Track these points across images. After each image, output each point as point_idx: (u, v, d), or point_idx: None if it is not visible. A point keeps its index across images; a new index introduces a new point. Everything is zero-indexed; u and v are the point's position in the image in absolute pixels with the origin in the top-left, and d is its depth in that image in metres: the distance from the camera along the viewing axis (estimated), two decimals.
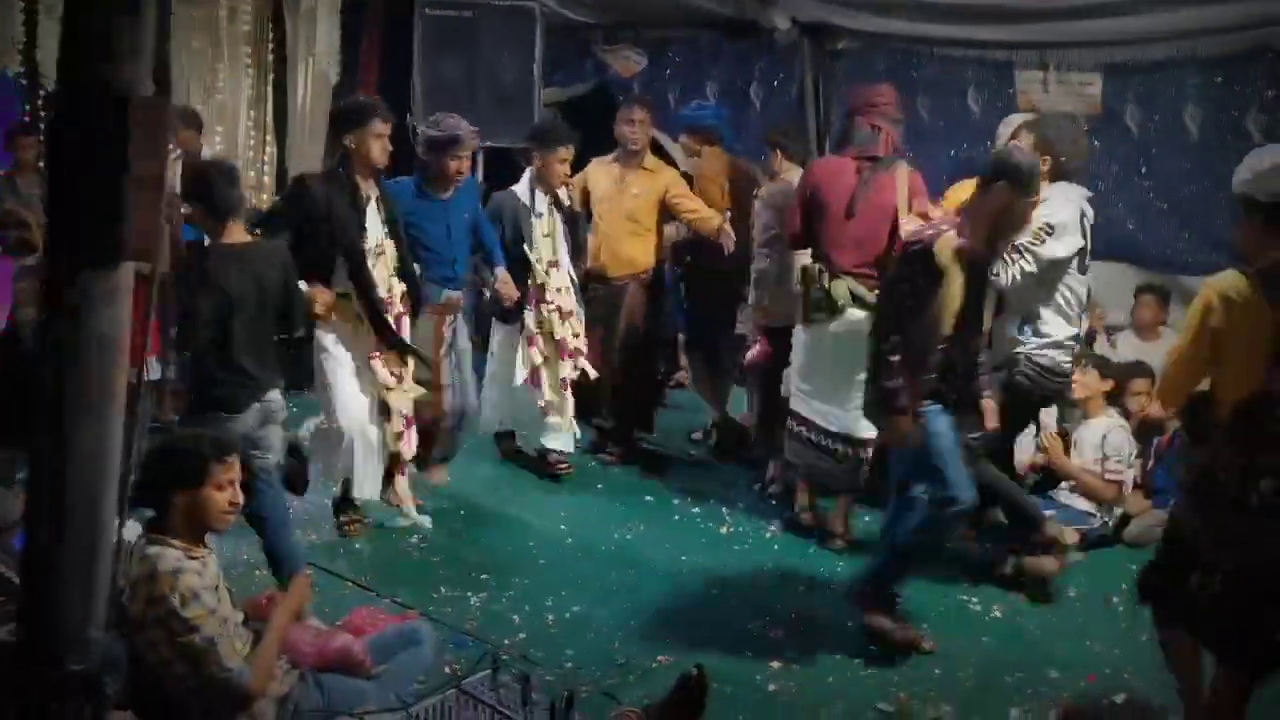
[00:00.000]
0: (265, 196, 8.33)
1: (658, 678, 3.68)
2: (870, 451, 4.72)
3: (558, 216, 5.40)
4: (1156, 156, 6.49)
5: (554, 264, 5.35)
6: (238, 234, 4.03)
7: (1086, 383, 5.08)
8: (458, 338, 5.15)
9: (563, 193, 5.45)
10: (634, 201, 5.69)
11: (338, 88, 8.05)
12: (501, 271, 5.26)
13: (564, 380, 5.41)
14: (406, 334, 4.69)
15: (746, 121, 7.74)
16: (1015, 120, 4.87)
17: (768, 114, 7.75)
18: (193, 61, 7.54)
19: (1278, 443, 2.86)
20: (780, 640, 4.10)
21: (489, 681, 2.82)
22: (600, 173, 5.83)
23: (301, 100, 8.20)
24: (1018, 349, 4.39)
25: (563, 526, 5.05)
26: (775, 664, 3.92)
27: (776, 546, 4.98)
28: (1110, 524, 5.07)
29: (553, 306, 5.35)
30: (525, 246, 5.31)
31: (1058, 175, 4.28)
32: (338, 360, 4.63)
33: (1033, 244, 4.21)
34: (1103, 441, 4.98)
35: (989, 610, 4.42)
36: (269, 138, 8.25)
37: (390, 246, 4.60)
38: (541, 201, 5.34)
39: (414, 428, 4.79)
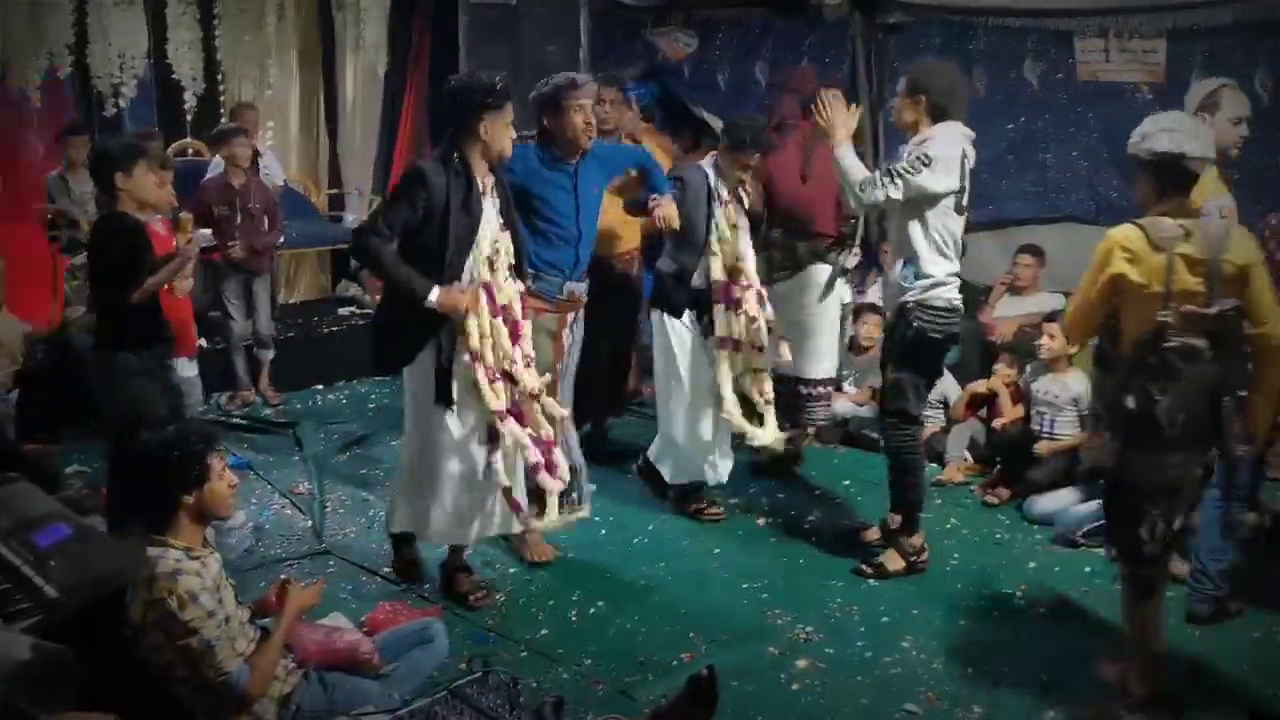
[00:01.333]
0: (321, 194, 8.42)
1: (678, 676, 3.57)
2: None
3: (741, 212, 4.89)
4: None
5: (740, 259, 4.81)
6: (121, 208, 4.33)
7: (1053, 346, 5.21)
8: (573, 345, 4.59)
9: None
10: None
11: (387, 78, 8.10)
12: (666, 197, 4.58)
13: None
14: (527, 336, 4.02)
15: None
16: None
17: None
18: (243, 57, 7.59)
19: (1172, 370, 3.28)
20: (809, 638, 3.98)
21: (480, 685, 2.76)
22: None
23: (352, 93, 8.26)
24: (906, 296, 4.32)
25: (596, 519, 4.97)
26: (801, 663, 3.80)
27: (814, 539, 4.85)
28: None
29: (744, 310, 4.77)
30: (708, 233, 4.77)
31: (938, 115, 4.27)
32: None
33: (907, 170, 4.14)
34: (1075, 402, 5.10)
35: (1033, 604, 4.26)
36: (321, 131, 8.31)
37: (505, 240, 3.95)
38: (725, 190, 4.83)
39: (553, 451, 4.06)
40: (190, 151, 7.60)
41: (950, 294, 4.33)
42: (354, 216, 7.99)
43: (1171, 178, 3.39)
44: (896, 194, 4.17)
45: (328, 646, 3.25)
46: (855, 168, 4.30)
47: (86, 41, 6.56)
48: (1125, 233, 3.40)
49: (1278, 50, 5.94)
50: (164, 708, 2.97)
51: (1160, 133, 3.38)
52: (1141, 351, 3.35)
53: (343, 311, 7.81)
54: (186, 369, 4.66)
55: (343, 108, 8.33)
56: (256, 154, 7.18)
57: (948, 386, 5.82)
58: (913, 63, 4.66)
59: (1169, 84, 6.24)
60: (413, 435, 4.12)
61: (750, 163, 4.82)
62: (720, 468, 5.01)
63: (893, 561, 4.49)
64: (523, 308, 4.02)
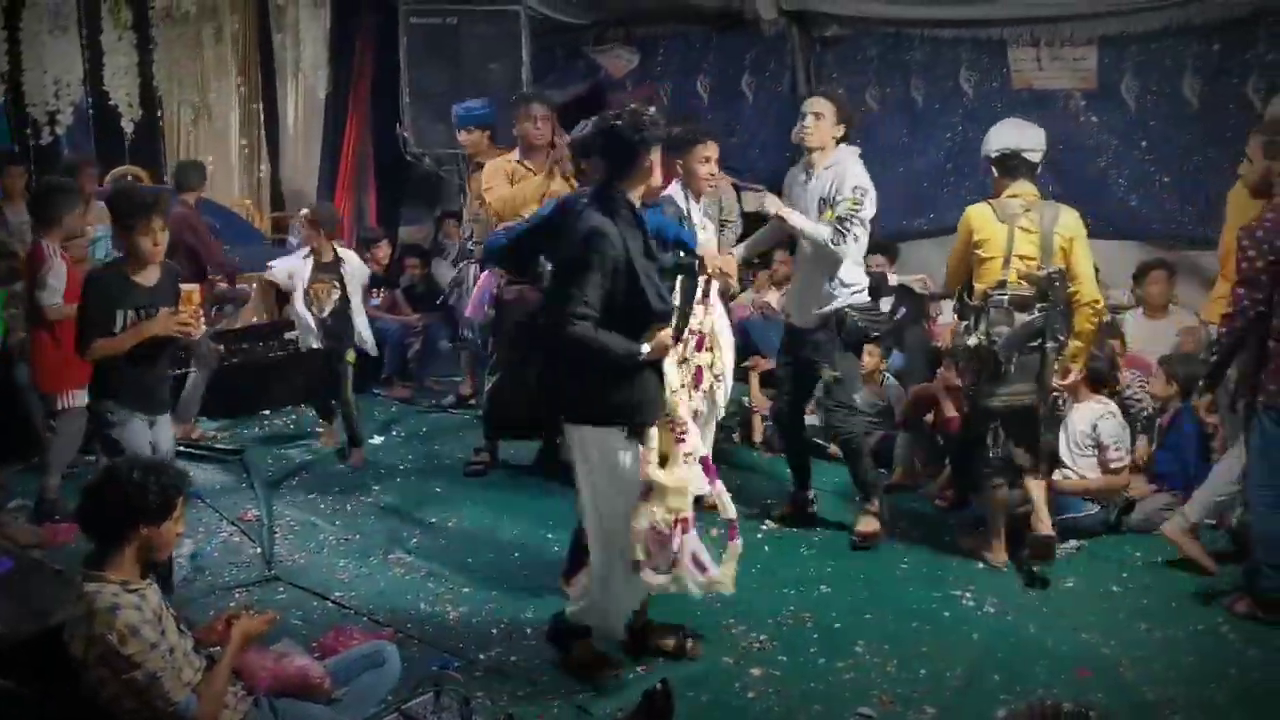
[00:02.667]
0: (264, 218, 8.33)
1: (634, 689, 3.59)
2: None
3: (710, 225, 4.91)
4: (1156, 129, 6.34)
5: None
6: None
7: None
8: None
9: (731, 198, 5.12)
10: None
11: (328, 100, 8.06)
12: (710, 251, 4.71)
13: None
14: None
15: (740, 113, 7.66)
16: None
17: (760, 105, 7.67)
18: (181, 82, 7.52)
19: (1008, 317, 4.27)
20: (763, 646, 3.99)
21: (431, 705, 2.74)
22: (498, 173, 5.40)
23: (293, 115, 8.21)
24: (835, 302, 4.69)
25: (549, 535, 4.96)
26: (756, 671, 3.81)
27: (768, 548, 4.87)
28: (1113, 511, 4.92)
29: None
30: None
31: (842, 139, 4.66)
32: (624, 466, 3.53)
33: (855, 210, 4.52)
34: (1094, 429, 4.82)
35: (982, 604, 4.30)
36: (262, 155, 8.25)
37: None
38: (695, 209, 4.79)
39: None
40: (129, 178, 7.50)
41: (867, 298, 4.83)
42: (296, 239, 7.88)
43: (1013, 168, 4.37)
44: (863, 231, 4.61)
45: (278, 673, 3.20)
46: (814, 230, 4.58)
47: (21, 69, 6.47)
48: (979, 208, 4.42)
49: (1206, 55, 6.07)
50: None
51: (1001, 135, 4.41)
52: (985, 301, 4.29)
53: (289, 336, 7.70)
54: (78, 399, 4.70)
55: (284, 130, 8.28)
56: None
57: (892, 392, 5.90)
58: (827, 84, 4.99)
59: (1100, 90, 6.38)
60: (604, 511, 3.63)
61: (708, 154, 4.77)
62: None
63: (867, 525, 4.84)
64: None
